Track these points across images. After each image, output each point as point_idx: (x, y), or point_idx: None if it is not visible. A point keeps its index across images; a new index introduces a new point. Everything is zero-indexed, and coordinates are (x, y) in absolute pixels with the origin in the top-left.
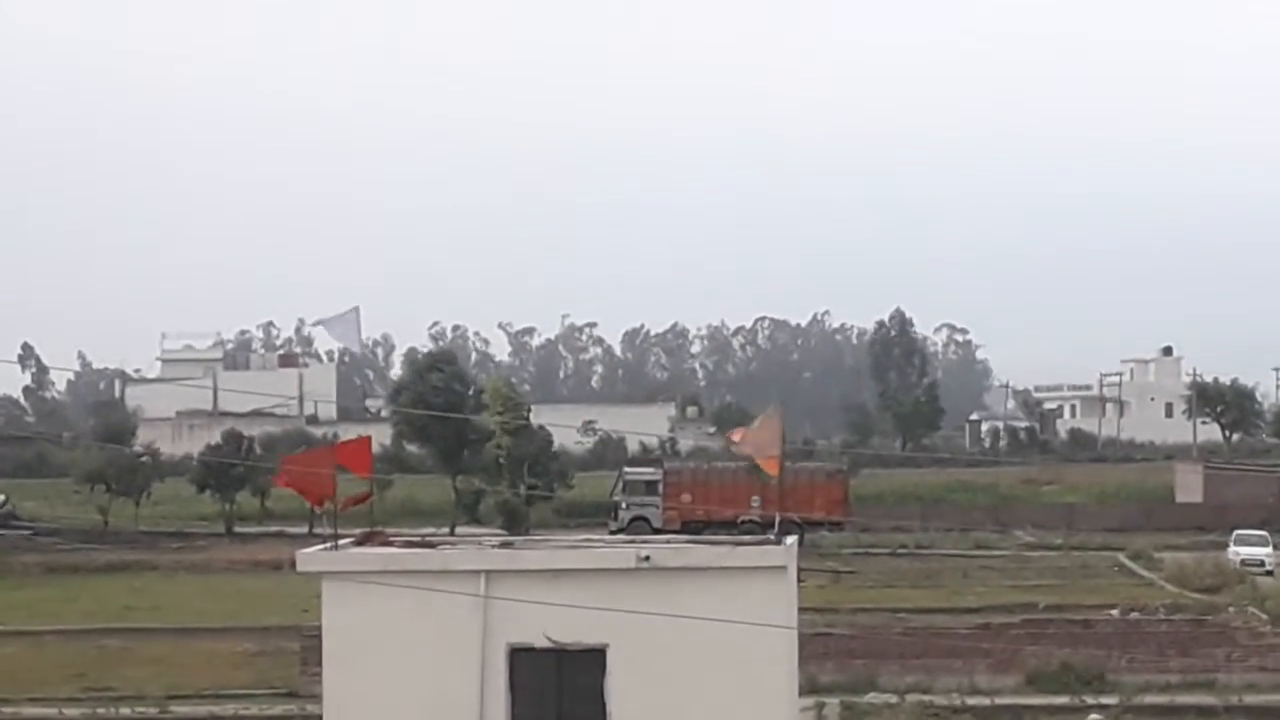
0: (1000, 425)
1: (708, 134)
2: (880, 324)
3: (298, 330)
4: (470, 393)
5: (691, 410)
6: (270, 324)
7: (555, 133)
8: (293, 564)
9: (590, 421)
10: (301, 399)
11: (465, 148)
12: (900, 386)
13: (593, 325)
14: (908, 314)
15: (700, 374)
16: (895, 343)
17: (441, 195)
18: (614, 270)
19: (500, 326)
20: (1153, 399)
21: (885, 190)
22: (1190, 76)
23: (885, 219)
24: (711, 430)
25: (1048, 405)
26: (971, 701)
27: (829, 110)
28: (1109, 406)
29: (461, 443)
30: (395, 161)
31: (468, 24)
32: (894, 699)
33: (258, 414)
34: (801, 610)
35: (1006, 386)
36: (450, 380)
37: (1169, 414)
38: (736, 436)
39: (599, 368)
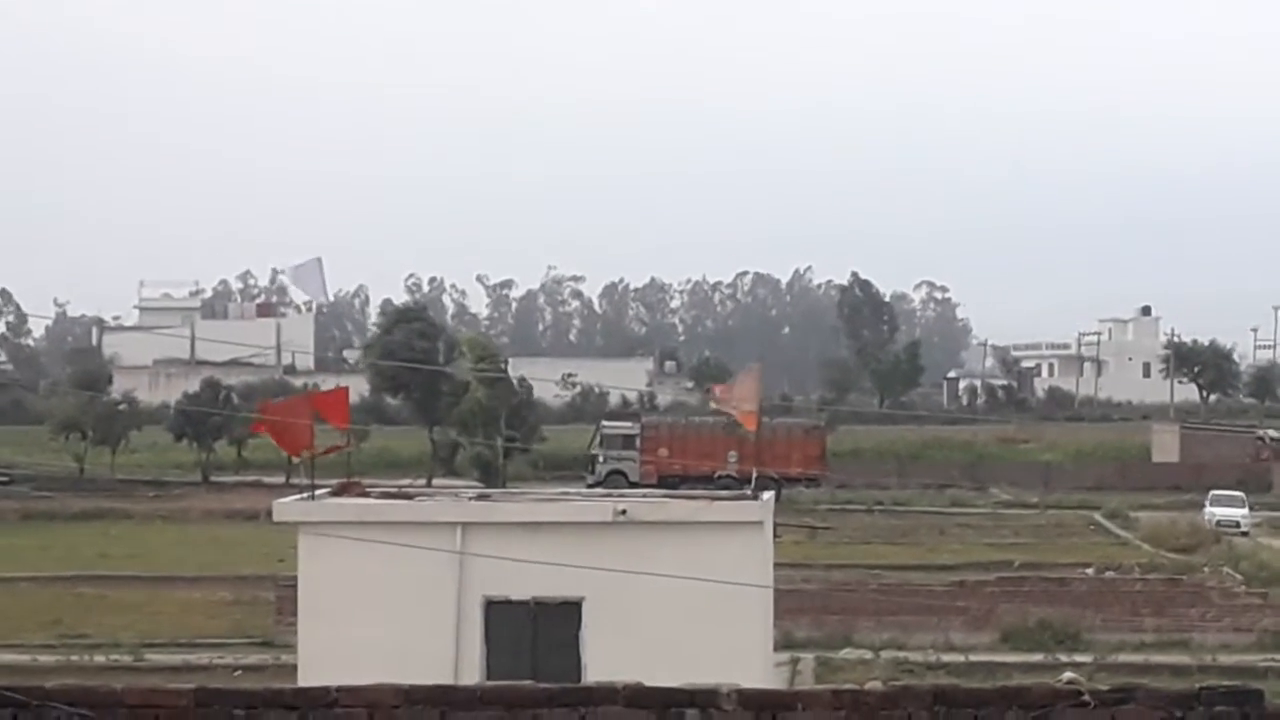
0: (978, 383)
1: (693, 98)
2: (842, 288)
3: (273, 280)
4: (440, 345)
5: (669, 365)
6: (248, 273)
7: (537, 93)
8: (269, 513)
9: (569, 374)
10: (279, 349)
11: (446, 109)
12: (873, 343)
13: (579, 278)
14: (868, 276)
15: (680, 328)
16: (862, 303)
17: (419, 153)
18: (593, 224)
19: (478, 279)
20: (1130, 359)
21: (870, 150)
22: (1167, 47)
23: (869, 178)
24: (689, 385)
25: (1026, 364)
26: (946, 658)
27: (813, 73)
28: (1087, 366)
29: (434, 395)
30: (378, 120)
31: None
32: (869, 655)
33: (235, 363)
34: (777, 566)
35: (985, 344)
36: (416, 335)
37: (1146, 374)
38: (719, 392)
39: (577, 321)
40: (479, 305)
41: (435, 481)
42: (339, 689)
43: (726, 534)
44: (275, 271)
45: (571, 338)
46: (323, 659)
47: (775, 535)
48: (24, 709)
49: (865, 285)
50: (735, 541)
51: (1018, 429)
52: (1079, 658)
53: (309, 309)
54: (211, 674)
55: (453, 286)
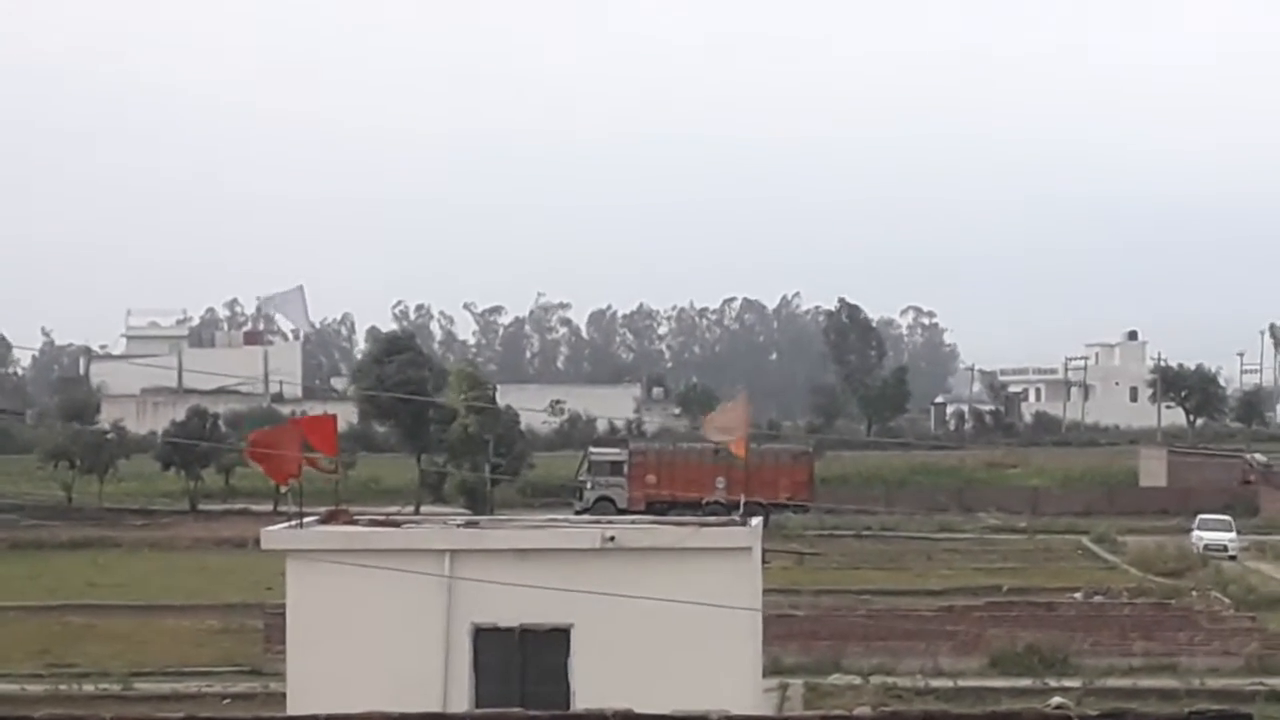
0: (965, 408)
1: (682, 125)
2: (829, 314)
3: (258, 309)
4: (429, 374)
5: (657, 391)
6: (235, 301)
7: (527, 119)
8: (257, 541)
9: (557, 401)
10: (266, 377)
11: (436, 135)
12: (860, 369)
13: (566, 305)
14: (856, 302)
15: (667, 354)
16: (849, 329)
17: (406, 179)
18: (581, 251)
19: (465, 306)
20: (1117, 383)
21: (856, 177)
22: (1153, 77)
23: (856, 205)
24: (677, 411)
25: (1013, 388)
26: (935, 683)
27: (803, 104)
28: (1074, 390)
29: (424, 423)
30: (365, 147)
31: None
32: (857, 680)
33: (223, 392)
34: (766, 591)
35: (972, 369)
36: (407, 365)
37: (1133, 398)
38: (707, 419)
39: (565, 348)
40: (466, 332)
41: (423, 509)
42: (328, 717)
43: (715, 560)
44: (259, 299)
45: (559, 364)
46: (311, 687)
47: (764, 561)
48: None
49: (853, 310)
50: (724, 567)
51: (1005, 454)
52: (1067, 682)
53: (296, 337)
54: (200, 703)
55: (440, 313)
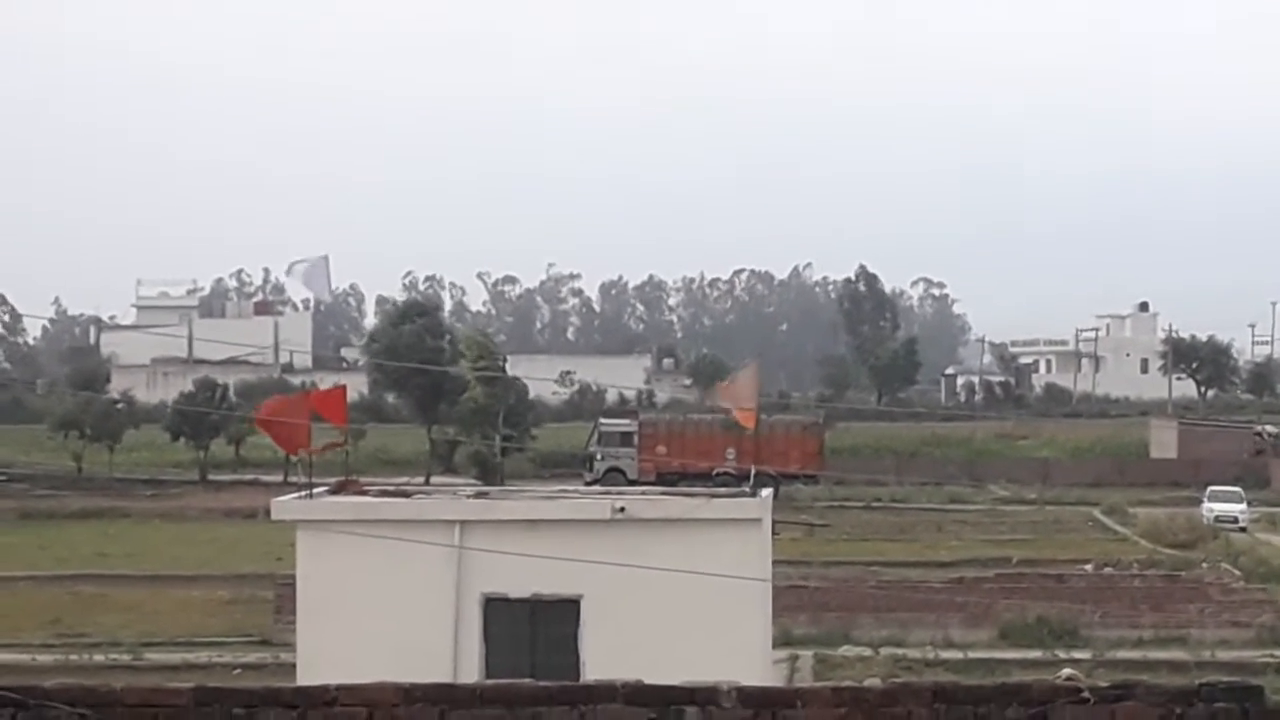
0: (976, 379)
1: (691, 95)
2: (848, 280)
3: (266, 278)
4: (446, 342)
5: (667, 362)
6: (242, 271)
7: (536, 90)
8: (267, 512)
9: (568, 372)
10: (277, 347)
11: (446, 107)
12: (873, 339)
13: (576, 276)
14: (874, 271)
15: (677, 325)
16: (865, 298)
17: (414, 151)
18: (592, 221)
19: (479, 276)
20: (1128, 354)
21: (864, 147)
22: (1165, 48)
23: (864, 175)
24: (687, 382)
25: (1024, 360)
26: (945, 655)
27: (808, 73)
28: (1085, 361)
29: (437, 393)
30: (374, 119)
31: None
32: (868, 652)
33: (233, 362)
34: (776, 563)
35: (983, 340)
36: (426, 330)
37: (1144, 369)
38: (721, 389)
39: (575, 319)
40: (477, 303)
41: (433, 479)
42: (338, 687)
43: (725, 531)
44: (266, 271)
45: (570, 335)
46: (322, 657)
47: (774, 532)
48: (23, 708)
49: (871, 279)
50: (734, 539)
51: (1016, 425)
52: (1077, 654)
53: (307, 307)
54: (210, 673)
55: (451, 284)
